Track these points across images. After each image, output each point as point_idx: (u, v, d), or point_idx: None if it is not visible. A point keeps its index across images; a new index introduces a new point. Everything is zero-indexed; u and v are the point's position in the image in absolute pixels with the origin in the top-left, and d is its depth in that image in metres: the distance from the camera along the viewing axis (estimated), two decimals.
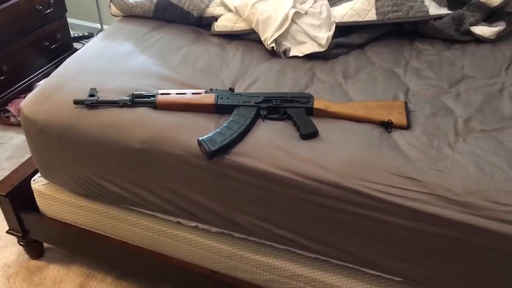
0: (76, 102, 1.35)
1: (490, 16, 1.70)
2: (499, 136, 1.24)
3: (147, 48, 1.62)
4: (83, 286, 1.69)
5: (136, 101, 1.34)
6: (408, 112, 1.31)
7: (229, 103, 1.33)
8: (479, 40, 1.66)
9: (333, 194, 1.17)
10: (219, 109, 1.33)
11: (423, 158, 1.18)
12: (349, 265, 1.32)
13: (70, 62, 1.58)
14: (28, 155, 1.87)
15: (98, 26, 3.23)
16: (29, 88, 2.55)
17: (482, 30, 1.65)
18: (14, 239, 1.80)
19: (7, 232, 1.73)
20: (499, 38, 1.65)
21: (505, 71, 1.51)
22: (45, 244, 1.81)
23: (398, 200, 1.13)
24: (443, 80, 1.48)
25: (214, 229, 1.43)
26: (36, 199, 1.63)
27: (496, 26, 1.65)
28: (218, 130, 1.25)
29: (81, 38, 3.12)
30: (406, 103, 1.34)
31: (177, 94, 1.36)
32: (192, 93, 1.36)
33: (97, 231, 1.59)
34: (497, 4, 1.66)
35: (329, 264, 1.34)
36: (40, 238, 1.75)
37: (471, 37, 1.66)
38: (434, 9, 1.65)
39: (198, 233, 1.44)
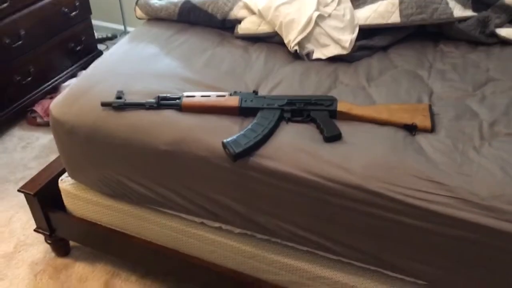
0: (104, 104, 1.38)
1: None
2: None
3: (172, 50, 1.64)
4: (108, 284, 1.73)
5: (162, 103, 1.37)
6: (432, 115, 1.31)
7: (253, 106, 1.34)
8: (505, 42, 1.64)
9: (357, 197, 1.17)
10: (243, 112, 1.35)
11: (448, 162, 1.18)
12: (372, 268, 1.32)
13: (97, 65, 1.61)
14: (54, 155, 1.92)
15: (121, 27, 3.28)
16: (55, 89, 2.61)
17: (508, 32, 1.63)
18: (41, 237, 1.84)
19: (34, 230, 1.77)
20: None
21: None
22: (71, 243, 1.85)
23: (423, 204, 1.13)
24: (467, 83, 1.47)
25: (237, 230, 1.44)
26: (63, 199, 1.67)
27: None
28: (242, 132, 1.26)
29: (105, 40, 3.17)
30: (430, 106, 1.34)
31: (201, 96, 1.37)
32: (217, 96, 1.37)
33: (122, 231, 1.62)
34: None
35: (351, 266, 1.35)
36: (67, 236, 1.79)
37: (497, 39, 1.65)
38: (459, 11, 1.64)
39: (221, 234, 1.46)
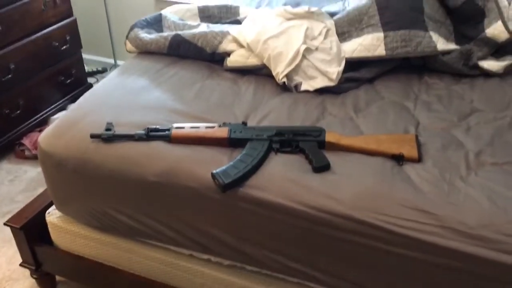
0: (93, 136, 1.38)
1: (497, 50, 1.73)
2: (510, 170, 1.25)
3: (161, 83, 1.66)
4: None
5: (151, 135, 1.37)
6: (419, 145, 1.33)
7: (242, 137, 1.35)
8: (487, 74, 1.68)
9: (346, 227, 1.17)
10: (232, 143, 1.36)
11: (436, 191, 1.19)
12: None
13: (87, 97, 1.62)
14: (42, 188, 1.90)
15: (112, 61, 3.31)
16: (44, 122, 2.61)
17: (490, 64, 1.68)
18: (26, 271, 1.80)
19: (20, 264, 1.74)
20: (507, 72, 1.67)
21: None
22: (57, 277, 1.81)
23: (411, 233, 1.13)
24: (452, 114, 1.50)
25: (227, 262, 1.43)
26: (50, 232, 1.65)
27: (503, 61, 1.68)
28: (231, 163, 1.27)
29: (95, 73, 3.20)
30: (417, 136, 1.36)
31: (191, 128, 1.38)
32: (206, 127, 1.38)
33: (110, 264, 1.60)
34: (504, 39, 1.69)
35: None
36: (53, 271, 1.76)
37: (479, 71, 1.69)
38: (442, 45, 1.68)
39: (210, 266, 1.44)
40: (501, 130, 1.40)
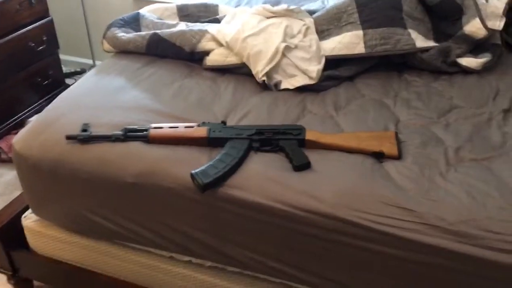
0: (69, 137, 1.35)
1: (476, 47, 1.74)
2: (489, 165, 1.26)
3: (139, 83, 1.63)
4: None
5: (129, 135, 1.35)
6: (399, 142, 1.33)
7: (221, 136, 1.34)
8: (466, 71, 1.69)
9: (327, 225, 1.16)
10: (211, 142, 1.34)
11: (415, 188, 1.19)
12: None
13: (62, 98, 1.59)
14: (19, 191, 1.86)
15: (90, 62, 3.26)
16: (20, 124, 2.55)
17: (469, 61, 1.69)
18: (3, 277, 1.76)
19: None
20: (485, 69, 1.68)
21: (492, 101, 1.54)
22: (35, 282, 1.77)
23: (392, 230, 1.13)
24: (432, 111, 1.50)
25: (208, 263, 1.41)
26: (27, 236, 1.61)
27: (482, 58, 1.69)
28: (211, 163, 1.25)
29: (73, 74, 3.15)
30: (396, 133, 1.36)
31: (169, 128, 1.36)
32: (185, 127, 1.36)
33: (89, 268, 1.57)
34: (482, 36, 1.70)
35: None
36: (31, 276, 1.72)
37: (458, 68, 1.70)
38: (421, 42, 1.69)
39: (191, 268, 1.43)
40: (479, 126, 1.41)
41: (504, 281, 1.09)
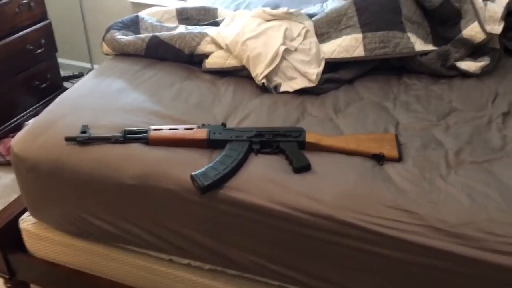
0: (68, 139, 1.35)
1: (474, 51, 1.75)
2: (489, 168, 1.26)
3: (139, 85, 1.63)
4: None
5: (128, 137, 1.34)
6: (399, 144, 1.33)
7: (221, 138, 1.33)
8: (465, 74, 1.69)
9: (328, 227, 1.16)
10: (211, 144, 1.33)
11: (416, 190, 1.19)
12: None
13: (61, 99, 1.58)
14: (16, 195, 1.85)
15: (88, 65, 3.26)
16: (18, 128, 2.54)
17: (467, 65, 1.69)
18: (0, 280, 1.74)
19: None
20: (484, 73, 1.69)
21: (492, 104, 1.54)
22: (32, 286, 1.76)
23: (393, 233, 1.12)
24: (431, 114, 1.50)
25: (207, 266, 1.40)
26: (24, 239, 1.60)
27: (480, 61, 1.70)
28: (211, 164, 1.25)
29: (71, 78, 3.15)
30: (396, 136, 1.36)
31: (169, 129, 1.36)
32: (185, 129, 1.36)
33: (87, 271, 1.55)
34: (480, 40, 1.70)
35: None
36: (28, 279, 1.70)
37: (457, 72, 1.70)
38: (420, 46, 1.69)
39: (191, 271, 1.42)
40: (479, 129, 1.41)
41: (505, 283, 1.08)
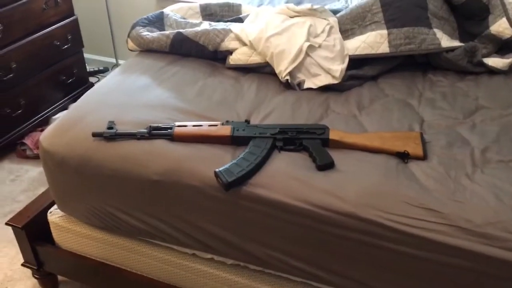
0: (95, 135, 1.37)
1: (502, 48, 1.72)
2: None
3: (163, 81, 1.65)
4: None
5: (154, 133, 1.36)
6: (424, 142, 1.32)
7: (245, 135, 1.34)
8: (492, 71, 1.67)
9: (351, 225, 1.16)
10: (235, 141, 1.34)
11: (441, 189, 1.17)
12: None
13: (88, 96, 1.61)
14: (43, 187, 1.89)
15: (113, 60, 3.30)
16: (45, 122, 2.60)
17: (495, 61, 1.66)
18: (28, 271, 1.79)
19: (22, 264, 1.73)
20: (511, 70, 1.65)
21: None
22: (60, 277, 1.81)
23: (417, 231, 1.12)
24: (457, 111, 1.48)
25: (230, 261, 1.42)
26: (52, 231, 1.64)
27: (508, 58, 1.66)
28: (234, 161, 1.26)
29: (97, 73, 3.19)
30: (421, 134, 1.35)
31: (193, 126, 1.37)
32: (209, 125, 1.37)
33: (113, 264, 1.59)
34: (509, 36, 1.67)
35: None
36: (55, 270, 1.75)
37: (484, 68, 1.67)
38: (446, 42, 1.67)
39: (213, 266, 1.43)
40: (507, 127, 1.39)
41: None
